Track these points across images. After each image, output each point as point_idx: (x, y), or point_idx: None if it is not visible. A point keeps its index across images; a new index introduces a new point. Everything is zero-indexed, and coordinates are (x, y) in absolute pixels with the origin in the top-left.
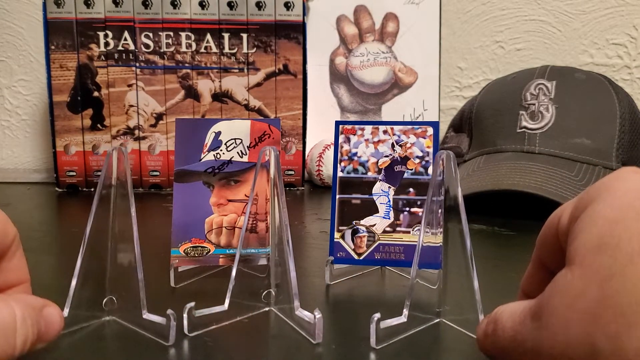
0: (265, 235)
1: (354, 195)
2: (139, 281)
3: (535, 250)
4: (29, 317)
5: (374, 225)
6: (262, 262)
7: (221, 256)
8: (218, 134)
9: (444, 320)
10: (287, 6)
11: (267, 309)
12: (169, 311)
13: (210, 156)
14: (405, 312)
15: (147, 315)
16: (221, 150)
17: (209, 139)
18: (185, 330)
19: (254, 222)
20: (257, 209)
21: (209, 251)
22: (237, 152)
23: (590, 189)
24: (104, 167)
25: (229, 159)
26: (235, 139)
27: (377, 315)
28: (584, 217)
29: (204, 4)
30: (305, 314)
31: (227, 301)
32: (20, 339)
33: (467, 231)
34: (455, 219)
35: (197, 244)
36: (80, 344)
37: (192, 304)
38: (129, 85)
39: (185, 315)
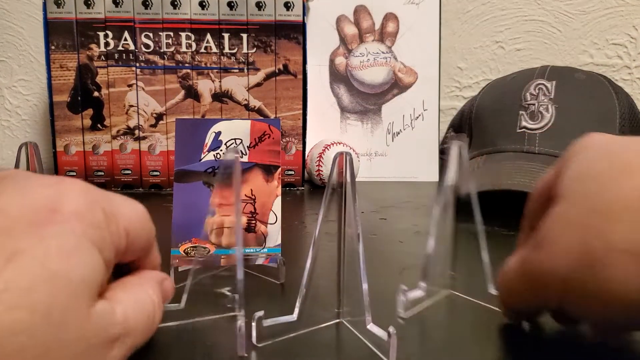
0: (262, 234)
1: None
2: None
3: (525, 218)
4: (157, 296)
5: None
6: (260, 261)
7: (222, 256)
8: (218, 134)
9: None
10: (287, 6)
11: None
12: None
13: (210, 156)
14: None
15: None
16: (221, 150)
17: (209, 139)
18: (254, 340)
19: (253, 222)
20: (255, 209)
21: (210, 251)
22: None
23: (568, 152)
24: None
25: None
26: (235, 139)
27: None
28: (567, 166)
29: (204, 4)
30: (376, 330)
31: (296, 311)
32: (158, 318)
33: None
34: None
35: (197, 244)
36: None
37: (261, 312)
38: (129, 85)
39: (254, 325)
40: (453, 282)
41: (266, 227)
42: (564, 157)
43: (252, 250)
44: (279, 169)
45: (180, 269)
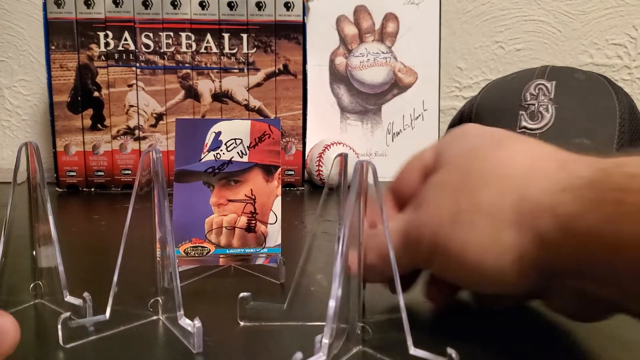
0: (262, 234)
1: None
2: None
3: (390, 194)
4: None
5: None
6: (260, 261)
7: (221, 256)
8: (218, 134)
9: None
10: (287, 6)
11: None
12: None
13: (210, 156)
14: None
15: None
16: (221, 150)
17: (209, 139)
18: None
19: (253, 222)
20: (255, 209)
21: (209, 251)
22: (237, 152)
23: (446, 136)
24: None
25: (229, 159)
26: (235, 139)
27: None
28: (447, 146)
29: (204, 4)
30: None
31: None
32: None
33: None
34: None
35: (197, 244)
36: None
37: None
38: (129, 86)
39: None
40: (366, 337)
41: (266, 227)
42: (440, 141)
43: (252, 250)
44: (279, 169)
45: (180, 269)
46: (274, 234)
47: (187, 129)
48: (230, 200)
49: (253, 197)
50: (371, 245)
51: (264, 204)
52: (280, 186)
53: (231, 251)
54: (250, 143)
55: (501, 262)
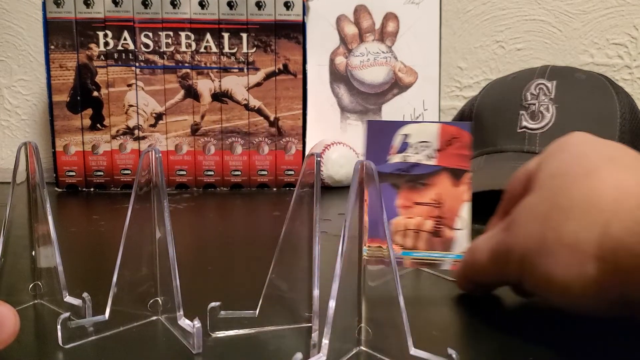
0: (448, 239)
1: None
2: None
3: (502, 202)
4: None
5: None
6: (446, 267)
7: (407, 258)
8: (406, 136)
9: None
10: (287, 6)
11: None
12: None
13: (397, 158)
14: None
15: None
16: (409, 152)
17: (398, 141)
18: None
19: (439, 226)
20: (441, 213)
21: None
22: (425, 155)
23: (549, 148)
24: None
25: (416, 161)
26: (423, 141)
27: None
28: (545, 161)
29: (203, 3)
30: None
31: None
32: None
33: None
34: None
35: (380, 244)
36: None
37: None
38: (129, 85)
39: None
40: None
41: (453, 232)
42: (545, 152)
43: (438, 255)
44: (468, 174)
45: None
46: (461, 240)
47: (376, 130)
48: (416, 203)
49: (440, 201)
50: (466, 260)
51: (452, 208)
52: (470, 191)
53: (417, 254)
54: (439, 146)
55: (586, 293)
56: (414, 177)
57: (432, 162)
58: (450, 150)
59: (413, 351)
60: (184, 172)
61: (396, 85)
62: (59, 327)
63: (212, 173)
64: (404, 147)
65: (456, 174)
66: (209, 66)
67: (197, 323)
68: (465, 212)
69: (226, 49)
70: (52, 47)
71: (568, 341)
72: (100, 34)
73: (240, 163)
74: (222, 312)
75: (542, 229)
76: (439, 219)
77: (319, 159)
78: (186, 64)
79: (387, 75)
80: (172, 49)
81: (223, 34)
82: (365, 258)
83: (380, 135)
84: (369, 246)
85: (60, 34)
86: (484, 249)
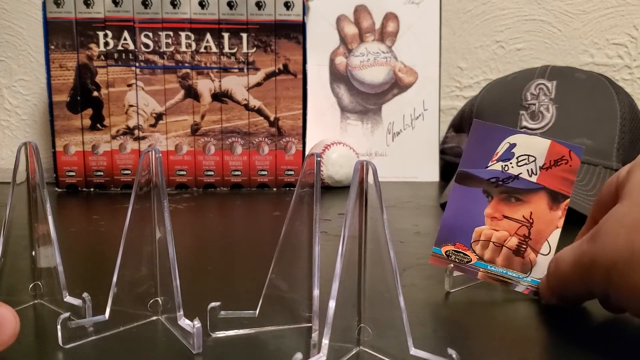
0: (529, 261)
1: None
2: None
3: (592, 210)
4: None
5: None
6: (520, 289)
7: (481, 270)
8: (512, 145)
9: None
10: (287, 6)
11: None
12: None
13: (497, 166)
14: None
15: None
16: (511, 163)
17: (502, 148)
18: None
19: (523, 246)
20: (529, 233)
21: (470, 260)
22: (527, 170)
23: None
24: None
25: (516, 174)
26: (529, 155)
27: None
28: (635, 170)
29: (203, 3)
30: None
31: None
32: None
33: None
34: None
35: (460, 250)
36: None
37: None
38: (129, 85)
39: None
40: (366, 337)
41: (536, 255)
42: (636, 160)
43: (514, 275)
44: (567, 200)
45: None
46: (542, 265)
47: (482, 133)
48: (505, 217)
49: (531, 221)
50: (550, 272)
51: (541, 231)
52: (564, 218)
53: (493, 268)
54: (544, 164)
55: None
56: (509, 190)
57: (533, 179)
58: (554, 171)
59: (413, 351)
60: (184, 172)
61: (396, 86)
62: (59, 327)
63: (212, 173)
64: (507, 157)
65: (555, 197)
66: (209, 66)
67: (197, 323)
68: (554, 238)
69: (226, 49)
70: (52, 47)
71: None
72: (100, 34)
73: (240, 163)
74: (222, 312)
75: (630, 241)
76: (526, 238)
77: (319, 159)
78: (186, 64)
79: (387, 75)
80: (172, 49)
81: (223, 34)
82: (450, 266)
83: (486, 138)
84: (450, 251)
85: (60, 34)
86: (569, 259)
